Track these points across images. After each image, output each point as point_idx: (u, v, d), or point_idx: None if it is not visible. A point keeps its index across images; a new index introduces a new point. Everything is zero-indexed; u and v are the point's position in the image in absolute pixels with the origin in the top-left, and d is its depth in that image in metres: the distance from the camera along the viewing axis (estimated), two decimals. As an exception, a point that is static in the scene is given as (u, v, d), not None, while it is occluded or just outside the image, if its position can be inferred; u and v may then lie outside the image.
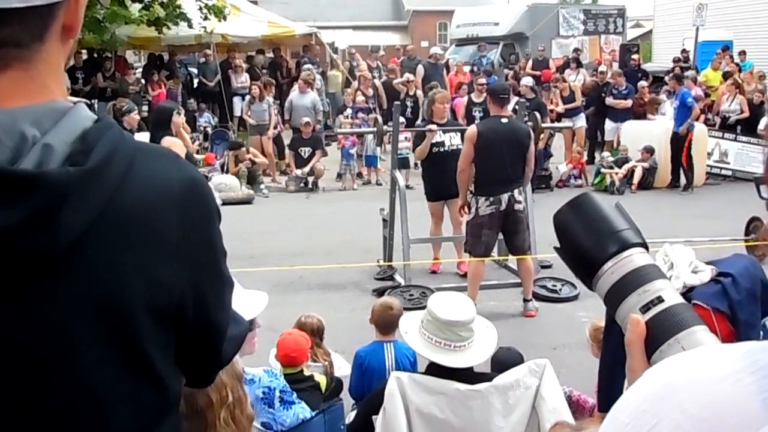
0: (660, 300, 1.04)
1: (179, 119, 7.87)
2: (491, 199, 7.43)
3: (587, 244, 1.12)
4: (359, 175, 15.29)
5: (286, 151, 15.85)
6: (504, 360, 3.85)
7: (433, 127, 9.17)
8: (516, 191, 7.47)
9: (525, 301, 7.79)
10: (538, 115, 10.09)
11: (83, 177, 1.06)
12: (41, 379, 1.10)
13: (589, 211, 1.14)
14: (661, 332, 1.02)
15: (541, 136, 12.82)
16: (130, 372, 1.15)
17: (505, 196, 7.41)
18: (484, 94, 14.32)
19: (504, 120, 7.66)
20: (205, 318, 1.26)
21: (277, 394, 3.00)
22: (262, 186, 14.43)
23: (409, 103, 16.07)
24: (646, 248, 1.12)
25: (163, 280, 1.16)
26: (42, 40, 1.12)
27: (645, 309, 1.04)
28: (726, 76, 17.42)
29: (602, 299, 1.11)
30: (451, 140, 9.02)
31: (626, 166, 14.36)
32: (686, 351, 0.92)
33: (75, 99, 1.26)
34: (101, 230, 1.10)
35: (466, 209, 7.76)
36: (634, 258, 1.09)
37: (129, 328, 1.14)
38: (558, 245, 1.17)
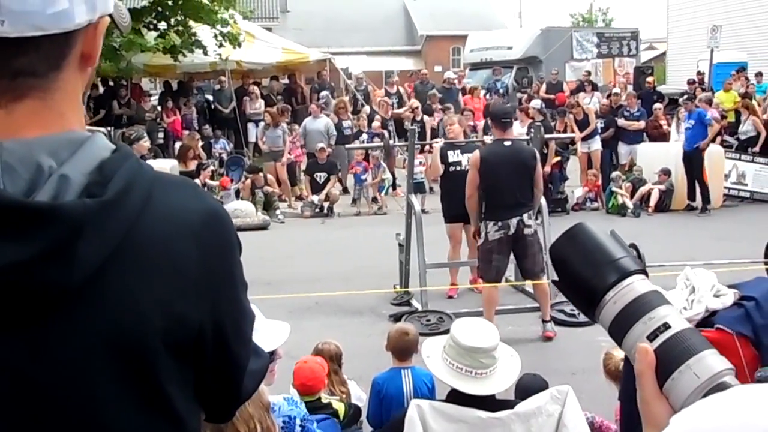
0: (666, 326, 1.02)
1: None
2: (499, 224, 7.38)
3: (586, 275, 1.10)
4: (374, 200, 15.29)
5: (302, 176, 15.90)
6: (528, 386, 3.80)
7: (439, 140, 9.51)
8: (525, 215, 7.40)
9: (543, 322, 7.72)
10: (541, 127, 10.13)
11: (100, 209, 1.04)
12: (56, 417, 1.07)
13: (584, 241, 1.13)
14: (671, 359, 0.99)
15: (548, 153, 12.90)
16: (148, 409, 1.12)
17: (513, 221, 7.35)
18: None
19: (507, 143, 7.62)
20: (225, 353, 1.22)
21: (298, 422, 2.97)
22: (278, 212, 14.45)
23: (416, 128, 16.14)
24: (646, 274, 1.09)
25: (181, 315, 1.13)
26: (59, 69, 1.11)
27: (652, 337, 1.02)
28: (744, 97, 17.36)
29: (606, 330, 1.08)
30: (468, 160, 9.03)
31: (642, 189, 14.30)
32: (713, 397, 0.88)
33: (94, 128, 1.25)
34: (118, 263, 1.07)
35: (479, 234, 7.68)
36: (636, 286, 1.07)
37: (147, 364, 1.11)
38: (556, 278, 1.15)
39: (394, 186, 15.92)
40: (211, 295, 1.17)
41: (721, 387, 0.94)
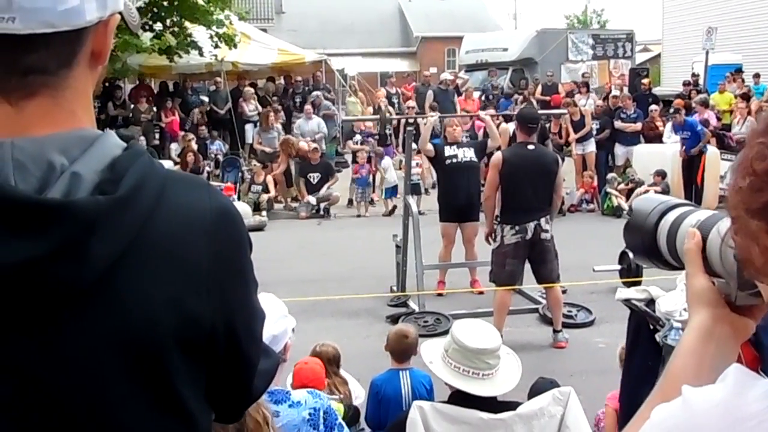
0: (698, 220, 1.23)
1: None
2: (517, 227, 7.29)
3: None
4: (371, 201, 15.30)
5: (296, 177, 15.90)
6: (542, 390, 3.78)
7: (433, 114, 10.23)
8: (543, 220, 7.33)
9: (555, 332, 7.58)
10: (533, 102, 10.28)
11: (113, 206, 1.03)
12: (67, 417, 1.06)
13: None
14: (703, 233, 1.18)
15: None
16: (160, 408, 1.11)
17: (531, 225, 7.27)
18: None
19: (530, 147, 7.53)
20: (236, 352, 1.21)
21: (321, 414, 2.97)
22: (264, 215, 14.42)
23: (412, 130, 16.14)
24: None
25: (194, 313, 1.12)
26: (70, 66, 1.10)
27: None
28: (743, 98, 17.38)
29: (666, 247, 1.27)
30: (464, 154, 9.15)
31: (638, 190, 14.31)
32: (709, 386, 0.98)
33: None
34: (131, 261, 1.06)
35: (493, 236, 7.63)
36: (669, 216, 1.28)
37: (158, 362, 1.10)
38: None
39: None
40: (223, 292, 1.16)
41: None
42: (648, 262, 1.33)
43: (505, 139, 11.17)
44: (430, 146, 9.22)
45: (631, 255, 8.40)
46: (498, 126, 13.98)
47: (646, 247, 1.30)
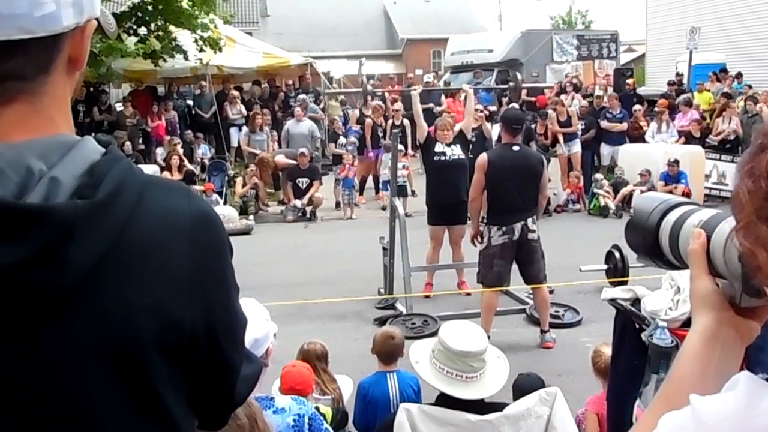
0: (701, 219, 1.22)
1: None
2: (504, 228, 7.32)
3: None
4: (357, 204, 15.29)
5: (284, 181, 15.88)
6: (524, 386, 3.78)
7: (417, 88, 10.15)
8: (529, 220, 7.35)
9: (542, 332, 7.59)
10: (518, 74, 10.27)
11: (91, 210, 1.03)
12: (49, 422, 1.06)
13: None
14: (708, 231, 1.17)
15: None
16: (142, 414, 1.11)
17: (518, 226, 7.30)
18: (479, 121, 14.50)
19: (515, 148, 7.55)
20: (218, 356, 1.21)
21: (306, 420, 2.97)
22: (251, 218, 14.40)
23: (398, 132, 16.15)
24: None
25: (174, 317, 1.12)
26: (47, 72, 1.10)
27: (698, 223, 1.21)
28: (726, 96, 17.45)
29: (668, 248, 1.26)
30: (453, 151, 9.18)
31: (624, 190, 14.37)
32: (718, 395, 0.96)
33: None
34: (110, 266, 1.06)
35: (479, 238, 7.65)
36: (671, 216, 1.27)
37: (140, 367, 1.09)
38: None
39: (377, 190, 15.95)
40: (204, 297, 1.16)
41: None
42: (650, 262, 1.31)
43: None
44: (423, 122, 9.36)
45: (617, 254, 8.45)
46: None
47: (647, 247, 1.28)
